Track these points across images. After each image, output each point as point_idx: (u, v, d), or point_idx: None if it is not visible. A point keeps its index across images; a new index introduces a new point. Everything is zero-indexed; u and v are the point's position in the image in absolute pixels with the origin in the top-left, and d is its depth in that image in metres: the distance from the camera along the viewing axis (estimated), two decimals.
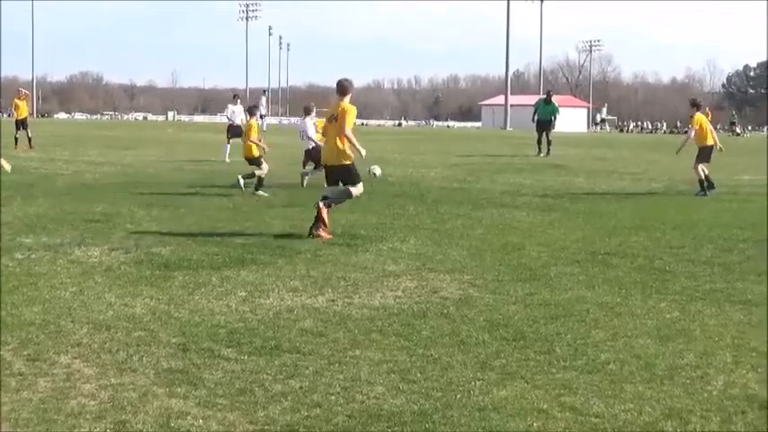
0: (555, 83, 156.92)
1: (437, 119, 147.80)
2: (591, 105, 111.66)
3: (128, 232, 12.35)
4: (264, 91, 79.72)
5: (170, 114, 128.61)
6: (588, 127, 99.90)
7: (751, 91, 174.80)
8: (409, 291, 8.90)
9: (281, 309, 8.06)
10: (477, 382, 5.97)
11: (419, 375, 6.11)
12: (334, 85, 12.88)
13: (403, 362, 6.44)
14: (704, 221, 14.38)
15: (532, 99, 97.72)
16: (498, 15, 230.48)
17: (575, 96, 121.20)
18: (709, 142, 19.56)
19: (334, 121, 12.61)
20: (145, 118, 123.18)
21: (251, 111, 19.77)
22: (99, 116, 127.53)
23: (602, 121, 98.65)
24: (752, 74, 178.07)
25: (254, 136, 18.51)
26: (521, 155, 32.83)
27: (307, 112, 20.07)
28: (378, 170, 19.22)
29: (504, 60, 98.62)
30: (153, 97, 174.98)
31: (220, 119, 69.17)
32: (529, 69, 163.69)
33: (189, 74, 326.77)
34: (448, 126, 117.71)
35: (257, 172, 17.99)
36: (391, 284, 9.17)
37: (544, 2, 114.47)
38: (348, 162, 12.69)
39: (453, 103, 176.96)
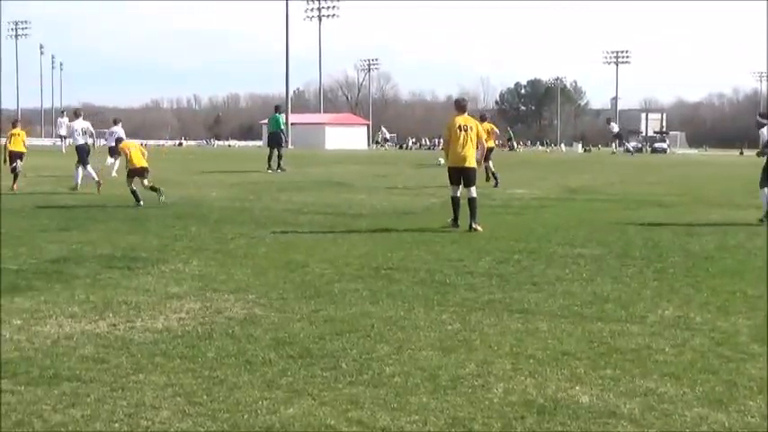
0: (335, 101, 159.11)
1: (218, 138, 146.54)
2: (371, 123, 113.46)
3: None
4: (63, 111, 77.12)
5: None
6: (369, 144, 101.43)
7: (522, 108, 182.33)
8: (193, 312, 8.77)
9: (59, 336, 7.78)
10: (264, 402, 5.93)
11: (205, 397, 6.02)
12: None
13: (188, 384, 6.33)
14: (481, 234, 14.84)
15: (314, 117, 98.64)
16: (278, 34, 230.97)
17: (354, 114, 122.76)
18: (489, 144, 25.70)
19: (470, 131, 16.25)
20: None
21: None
22: None
23: (385, 140, 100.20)
24: (522, 91, 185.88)
25: None
26: (301, 173, 32.98)
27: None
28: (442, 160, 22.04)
29: (285, 79, 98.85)
30: None
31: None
32: (309, 88, 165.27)
33: None
34: (229, 145, 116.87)
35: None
36: (174, 306, 9.01)
37: (323, 21, 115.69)
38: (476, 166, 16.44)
39: (234, 121, 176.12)
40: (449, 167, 16.55)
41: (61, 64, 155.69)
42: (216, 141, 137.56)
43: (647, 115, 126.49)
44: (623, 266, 11.65)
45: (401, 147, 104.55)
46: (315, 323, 8.31)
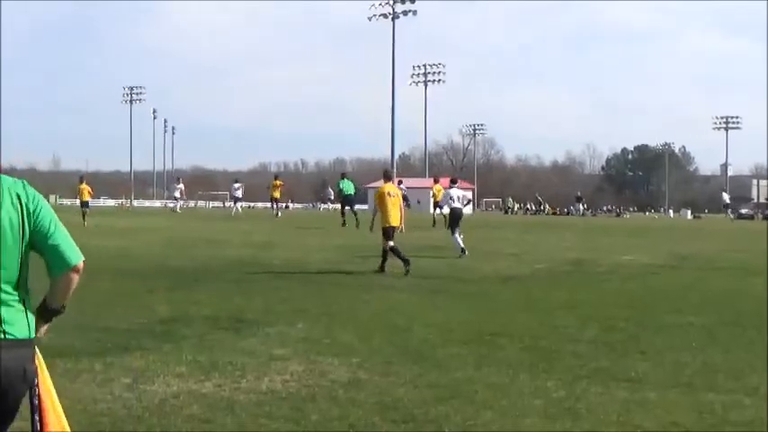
0: (440, 165, 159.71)
1: (324, 202, 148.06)
2: (476, 188, 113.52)
3: None
4: (179, 178, 79.19)
5: (51, 198, 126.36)
6: (474, 209, 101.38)
7: (629, 173, 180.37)
8: (297, 374, 8.81)
9: (166, 395, 7.89)
10: None
11: None
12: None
13: None
14: (588, 301, 14.65)
15: (419, 182, 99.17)
16: (383, 100, 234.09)
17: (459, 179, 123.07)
18: None
19: (396, 196, 20.09)
20: None
21: None
22: None
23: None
24: (630, 157, 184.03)
25: None
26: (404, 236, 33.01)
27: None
28: None
29: (390, 143, 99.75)
30: (34, 180, 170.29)
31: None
32: (414, 153, 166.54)
33: (71, 157, 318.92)
34: (335, 209, 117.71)
35: None
36: (279, 368, 9.07)
37: (428, 86, 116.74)
38: None
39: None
40: (389, 226, 19.57)
41: (173, 128, 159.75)
42: (322, 205, 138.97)
43: (758, 182, 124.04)
44: (734, 336, 11.35)
45: (506, 211, 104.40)
46: (419, 388, 8.28)
